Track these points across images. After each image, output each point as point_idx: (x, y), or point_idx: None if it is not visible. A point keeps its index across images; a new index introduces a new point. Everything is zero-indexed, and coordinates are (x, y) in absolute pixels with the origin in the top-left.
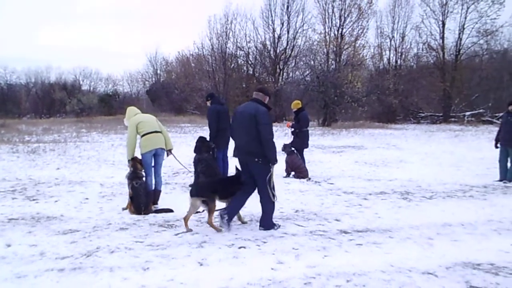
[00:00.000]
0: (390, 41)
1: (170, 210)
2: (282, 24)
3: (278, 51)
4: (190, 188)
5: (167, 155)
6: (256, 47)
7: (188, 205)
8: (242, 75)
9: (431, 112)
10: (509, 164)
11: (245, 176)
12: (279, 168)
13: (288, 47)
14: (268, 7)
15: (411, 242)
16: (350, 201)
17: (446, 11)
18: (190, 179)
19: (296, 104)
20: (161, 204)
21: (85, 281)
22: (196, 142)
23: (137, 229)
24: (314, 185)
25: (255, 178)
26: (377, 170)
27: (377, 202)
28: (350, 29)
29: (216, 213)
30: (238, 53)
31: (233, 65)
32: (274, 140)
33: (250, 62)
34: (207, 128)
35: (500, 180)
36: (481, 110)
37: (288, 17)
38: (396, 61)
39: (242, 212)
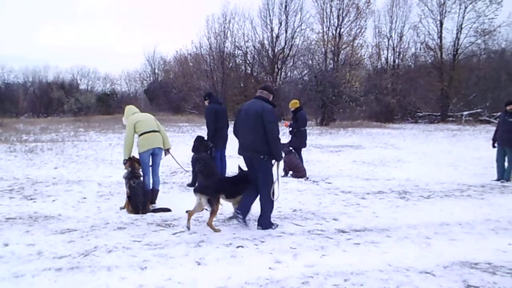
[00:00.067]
0: (388, 40)
1: (168, 210)
2: (280, 23)
3: (276, 50)
4: (187, 187)
5: (165, 154)
6: (254, 46)
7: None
8: (240, 74)
9: (429, 112)
10: (506, 164)
11: (252, 175)
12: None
13: (286, 46)
14: (266, 6)
15: (409, 241)
16: (348, 200)
17: (444, 10)
18: (188, 178)
19: (294, 104)
20: (158, 204)
21: (83, 281)
22: (194, 142)
23: (135, 229)
24: (312, 185)
25: (258, 175)
26: (375, 170)
27: (375, 202)
28: (348, 28)
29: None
30: (236, 53)
31: (231, 64)
32: None
33: (248, 62)
34: (205, 127)
35: (498, 180)
36: (478, 110)
37: (286, 17)
38: (394, 61)
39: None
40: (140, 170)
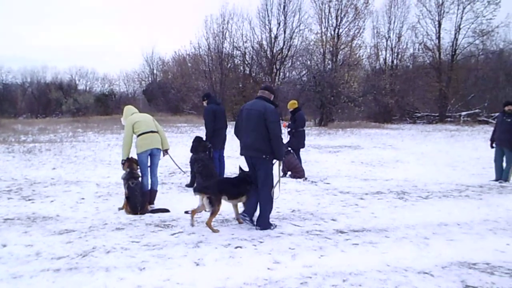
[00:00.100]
0: (387, 41)
1: (166, 210)
2: (279, 24)
3: (274, 51)
4: (186, 187)
5: (163, 155)
6: (252, 47)
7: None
8: (239, 75)
9: (427, 112)
10: (504, 164)
11: (254, 175)
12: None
13: (284, 47)
14: (265, 7)
15: (407, 241)
16: (346, 200)
17: (442, 11)
18: (187, 179)
19: (292, 104)
20: (157, 204)
21: (81, 281)
22: (193, 142)
23: (133, 229)
24: (311, 185)
25: (259, 174)
26: (373, 170)
27: (373, 202)
28: (346, 29)
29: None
30: (234, 53)
31: (229, 65)
32: None
33: (246, 62)
34: (203, 128)
35: (496, 180)
36: (477, 110)
37: (285, 17)
38: (392, 61)
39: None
40: (139, 170)
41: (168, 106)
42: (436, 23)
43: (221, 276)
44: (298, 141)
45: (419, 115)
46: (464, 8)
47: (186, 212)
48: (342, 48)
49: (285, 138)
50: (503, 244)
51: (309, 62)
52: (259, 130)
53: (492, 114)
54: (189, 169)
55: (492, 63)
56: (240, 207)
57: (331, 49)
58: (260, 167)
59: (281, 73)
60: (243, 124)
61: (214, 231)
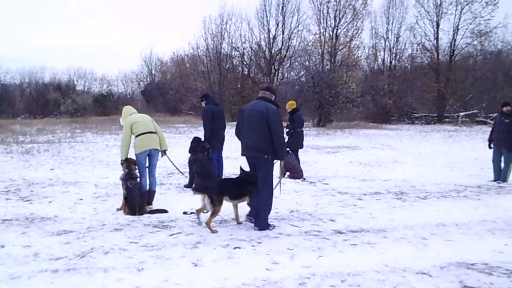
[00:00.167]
0: (385, 41)
1: (165, 211)
2: (277, 24)
3: (273, 51)
4: (184, 188)
5: (162, 155)
6: (251, 47)
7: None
8: (237, 75)
9: (426, 113)
10: (502, 164)
11: (255, 176)
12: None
13: (283, 47)
14: (263, 7)
15: (406, 242)
16: (344, 201)
17: (441, 12)
18: (185, 179)
19: (290, 105)
20: (155, 205)
21: (79, 282)
22: (191, 143)
23: (131, 230)
24: (309, 186)
25: (259, 174)
26: (372, 171)
27: (372, 202)
28: (345, 29)
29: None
30: (233, 54)
31: (228, 65)
32: None
33: (245, 63)
34: (202, 128)
35: (495, 180)
36: (475, 111)
37: (283, 18)
38: (391, 62)
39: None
40: (137, 171)
41: (166, 106)
42: (434, 23)
43: (220, 277)
44: (296, 141)
45: (417, 115)
46: (462, 9)
47: (185, 213)
48: (341, 49)
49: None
50: (501, 245)
51: (307, 63)
52: (261, 130)
53: (490, 115)
54: (188, 170)
55: (490, 64)
56: (241, 208)
57: (329, 49)
58: (260, 167)
59: (280, 74)
60: (245, 124)
61: (213, 231)
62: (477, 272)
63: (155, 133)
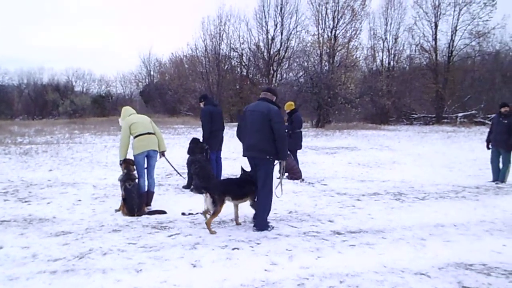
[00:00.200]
0: (383, 42)
1: (163, 212)
2: (276, 25)
3: (271, 52)
4: (183, 189)
5: (160, 157)
6: (249, 48)
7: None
8: (236, 76)
9: (424, 113)
10: (501, 165)
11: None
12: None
13: (281, 48)
14: (262, 8)
15: (404, 242)
16: (343, 202)
17: (439, 13)
18: (183, 180)
19: (289, 106)
20: (154, 206)
21: (78, 283)
22: (190, 144)
23: (130, 231)
24: (308, 186)
25: (259, 174)
26: (370, 171)
27: (370, 203)
28: (343, 30)
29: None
30: (231, 55)
31: (226, 66)
32: None
33: (243, 64)
34: (200, 129)
35: (493, 181)
36: (473, 111)
37: (282, 19)
38: (389, 63)
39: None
40: (135, 172)
41: (165, 107)
42: (433, 24)
43: (218, 278)
44: (295, 142)
45: (415, 116)
46: (460, 10)
47: (183, 214)
48: (339, 50)
49: None
50: (500, 245)
51: (306, 64)
52: (263, 130)
53: (489, 116)
54: (186, 171)
55: (488, 65)
56: (241, 208)
57: (328, 50)
58: (261, 168)
59: (278, 75)
60: (247, 125)
61: (212, 232)
62: (476, 273)
63: (154, 134)
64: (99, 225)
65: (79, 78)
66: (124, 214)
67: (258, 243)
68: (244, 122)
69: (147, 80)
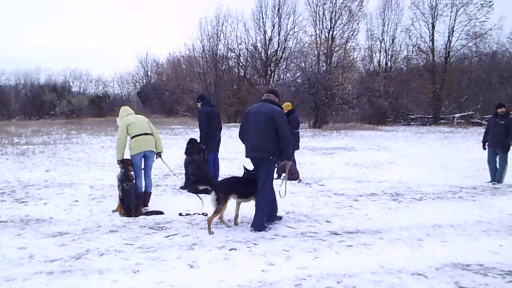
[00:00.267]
0: (380, 43)
1: (161, 212)
2: (273, 26)
3: (269, 53)
4: (180, 190)
5: (156, 157)
6: (247, 49)
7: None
8: (233, 77)
9: (421, 114)
10: (498, 166)
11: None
12: None
13: (279, 49)
14: (259, 9)
15: (401, 243)
16: (340, 202)
17: (436, 14)
18: (181, 181)
19: (286, 106)
20: (151, 206)
21: (75, 284)
22: (187, 144)
23: (127, 232)
24: (305, 187)
25: (260, 174)
26: (368, 172)
27: (368, 204)
28: (340, 31)
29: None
30: (229, 55)
31: (224, 67)
32: None
33: (241, 64)
34: (198, 130)
35: (491, 181)
36: (470, 112)
37: (279, 19)
38: (386, 63)
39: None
40: (133, 172)
41: (162, 108)
42: (430, 25)
43: (216, 278)
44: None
45: (413, 117)
46: (457, 11)
47: (180, 214)
48: (336, 50)
49: None
50: (496, 246)
51: (303, 64)
52: (267, 131)
53: (485, 116)
54: (184, 171)
55: (485, 65)
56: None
57: (325, 51)
58: (262, 168)
59: (276, 75)
60: (250, 126)
61: (210, 232)
62: (472, 273)
63: (151, 134)
64: (96, 226)
65: (76, 78)
66: (121, 214)
67: (255, 244)
68: (247, 123)
69: (144, 81)
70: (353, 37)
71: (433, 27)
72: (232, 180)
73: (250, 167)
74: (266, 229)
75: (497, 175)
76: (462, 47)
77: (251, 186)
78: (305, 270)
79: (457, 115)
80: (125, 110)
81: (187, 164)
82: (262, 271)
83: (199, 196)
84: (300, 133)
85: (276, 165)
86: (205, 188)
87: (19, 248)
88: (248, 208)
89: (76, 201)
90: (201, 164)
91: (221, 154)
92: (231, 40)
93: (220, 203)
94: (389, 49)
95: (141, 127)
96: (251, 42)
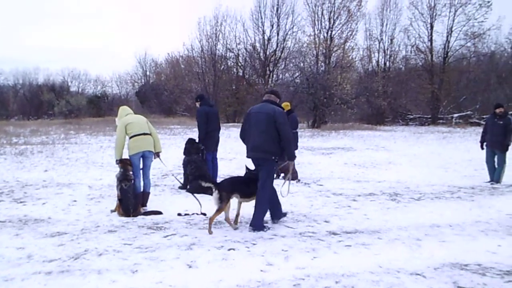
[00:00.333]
0: (379, 43)
1: (159, 212)
2: (272, 26)
3: (268, 53)
4: (179, 190)
5: (154, 157)
6: (246, 49)
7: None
8: (232, 77)
9: (420, 114)
10: (496, 166)
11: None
12: None
13: (278, 49)
14: (258, 9)
15: (400, 243)
16: (339, 202)
17: (434, 14)
18: (180, 181)
19: (285, 106)
20: (150, 206)
21: (73, 284)
22: (186, 144)
23: (125, 232)
24: (304, 187)
25: (261, 174)
26: (366, 172)
27: (366, 204)
28: (339, 31)
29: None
30: (227, 55)
31: (223, 67)
32: None
33: (240, 64)
34: (196, 129)
35: (490, 181)
36: (468, 112)
37: (278, 19)
38: (385, 63)
39: (232, 214)
40: (132, 172)
41: (161, 108)
42: (428, 25)
43: (214, 279)
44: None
45: (411, 117)
46: (456, 11)
47: (179, 214)
48: (335, 50)
49: None
50: (495, 245)
51: (302, 64)
52: (268, 131)
53: (484, 116)
54: (182, 171)
55: (483, 66)
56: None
57: (324, 51)
58: (263, 168)
59: (274, 75)
60: (251, 127)
61: (209, 231)
62: (471, 273)
63: (150, 134)
64: (94, 226)
65: (75, 78)
66: (120, 214)
67: (254, 244)
68: (248, 123)
69: (143, 81)
70: (351, 37)
71: (432, 27)
72: (235, 179)
73: (252, 166)
74: (265, 229)
75: (495, 175)
76: (461, 47)
77: (253, 186)
78: (303, 270)
79: (455, 115)
80: (124, 110)
81: (185, 164)
82: (260, 271)
83: (196, 197)
84: (299, 133)
85: (278, 166)
86: (208, 185)
87: (18, 248)
88: (247, 208)
89: (75, 201)
90: (200, 164)
91: (219, 154)
92: (230, 40)
93: (223, 202)
94: (387, 49)
95: (139, 127)
96: (249, 42)
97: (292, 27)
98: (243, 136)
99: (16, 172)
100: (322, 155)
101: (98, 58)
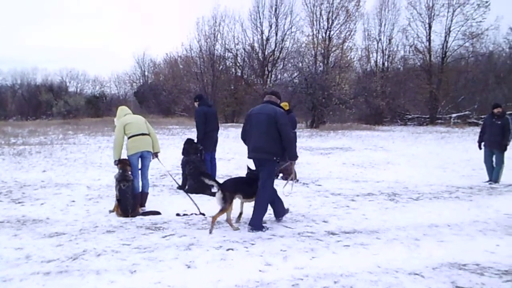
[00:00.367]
0: (377, 43)
1: (158, 213)
2: (270, 26)
3: (266, 53)
4: (177, 190)
5: (153, 158)
6: (244, 49)
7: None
8: (231, 77)
9: (418, 114)
10: (494, 165)
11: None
12: None
13: (276, 49)
14: (257, 9)
15: (398, 243)
16: (337, 202)
17: (433, 14)
18: (178, 181)
19: (283, 106)
20: (148, 207)
21: (72, 285)
22: (184, 144)
23: (124, 232)
24: (302, 187)
25: (262, 175)
26: (365, 172)
27: (365, 204)
28: (337, 31)
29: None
30: (226, 55)
31: (221, 67)
32: None
33: (238, 64)
34: (195, 130)
35: (489, 181)
36: (467, 112)
37: (276, 19)
38: (383, 64)
39: (232, 215)
40: (130, 172)
41: (159, 108)
42: (427, 25)
43: (213, 279)
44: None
45: (409, 117)
46: (454, 11)
47: (178, 215)
48: (334, 50)
49: None
50: (493, 245)
51: (300, 64)
52: (269, 132)
53: (482, 116)
54: (181, 171)
55: (482, 66)
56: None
57: (322, 51)
58: (264, 168)
59: (273, 75)
60: (252, 128)
61: (211, 231)
62: (469, 273)
63: (148, 135)
64: (93, 226)
65: (73, 78)
66: (118, 215)
67: (252, 244)
68: (249, 124)
69: (141, 81)
70: (350, 37)
71: (430, 27)
72: (238, 180)
73: (253, 166)
74: (263, 229)
75: (493, 175)
76: (459, 47)
77: (255, 186)
78: (302, 270)
79: (453, 115)
80: (122, 110)
81: (184, 164)
82: (259, 271)
83: (191, 198)
84: (297, 133)
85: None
86: (211, 183)
87: (16, 249)
88: (247, 209)
89: (73, 201)
90: (198, 164)
91: (218, 154)
92: (228, 40)
93: (227, 202)
94: (386, 49)
95: (138, 127)
96: (248, 42)
97: (291, 27)
98: (244, 137)
99: (14, 173)
100: (321, 155)
101: (98, 58)
